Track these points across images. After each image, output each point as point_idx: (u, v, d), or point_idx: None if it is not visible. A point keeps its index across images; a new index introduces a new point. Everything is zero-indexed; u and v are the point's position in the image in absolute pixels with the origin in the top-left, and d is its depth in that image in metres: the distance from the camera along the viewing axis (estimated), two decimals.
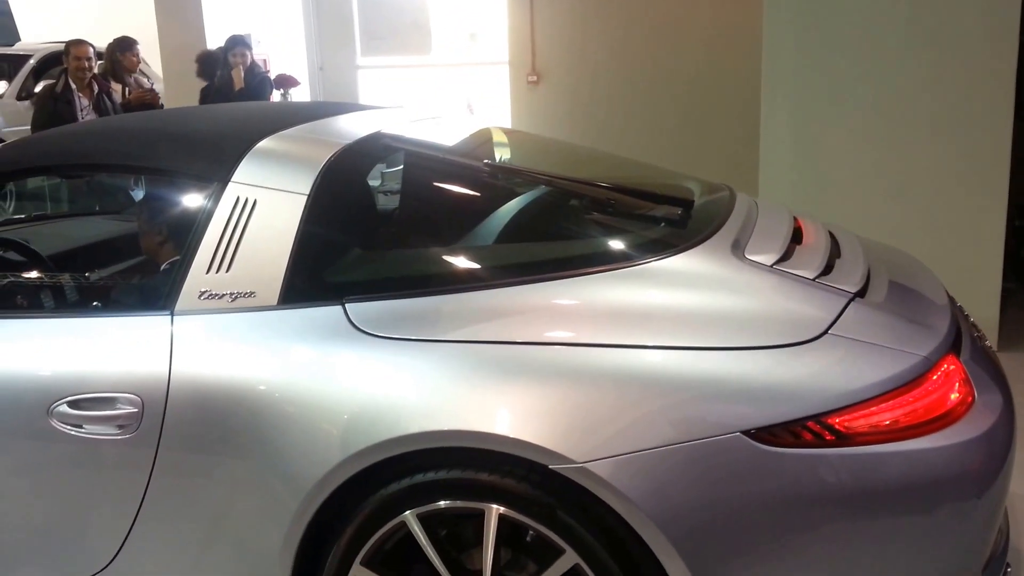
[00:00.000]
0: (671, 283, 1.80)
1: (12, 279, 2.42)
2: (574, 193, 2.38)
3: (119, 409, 1.87)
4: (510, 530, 1.68)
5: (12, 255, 2.79)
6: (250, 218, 1.94)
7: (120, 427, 1.87)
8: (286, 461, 1.75)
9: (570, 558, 1.62)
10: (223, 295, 1.90)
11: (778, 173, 4.30)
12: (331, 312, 1.84)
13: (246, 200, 1.95)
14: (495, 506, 1.65)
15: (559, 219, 2.34)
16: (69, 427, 1.89)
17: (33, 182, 6.44)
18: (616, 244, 2.12)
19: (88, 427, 1.89)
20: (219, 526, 1.85)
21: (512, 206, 2.29)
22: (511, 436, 1.61)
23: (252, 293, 1.88)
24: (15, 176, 2.35)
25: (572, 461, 1.57)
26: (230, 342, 1.86)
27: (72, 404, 1.89)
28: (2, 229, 3.17)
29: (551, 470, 1.59)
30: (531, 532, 1.67)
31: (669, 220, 2.10)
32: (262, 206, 1.95)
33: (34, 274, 2.69)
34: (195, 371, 1.85)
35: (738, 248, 1.90)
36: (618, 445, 1.57)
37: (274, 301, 1.87)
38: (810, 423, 1.57)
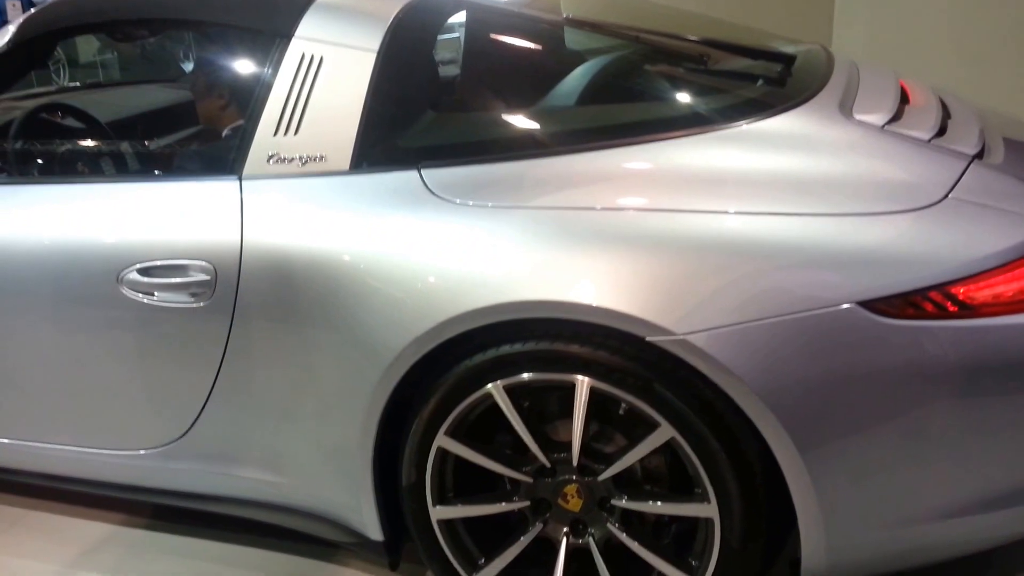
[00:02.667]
0: (775, 145, 1.65)
1: (76, 145, 2.36)
2: (665, 50, 2.20)
3: (191, 276, 1.82)
4: (598, 402, 1.62)
5: (72, 122, 2.72)
6: (317, 76, 1.83)
7: (193, 295, 1.82)
8: (366, 331, 1.69)
9: (665, 432, 1.56)
10: (292, 159, 1.81)
11: (853, 32, 3.99)
12: (407, 178, 1.74)
13: (312, 57, 1.84)
14: (585, 378, 1.58)
15: (652, 78, 2.17)
16: (140, 294, 1.85)
17: (85, 54, 6.36)
18: (712, 104, 1.95)
19: (160, 295, 1.84)
20: (299, 397, 1.82)
21: (598, 64, 2.12)
22: (604, 307, 1.51)
23: (323, 157, 1.79)
24: (63, 34, 2.23)
25: (671, 333, 1.48)
26: (302, 208, 1.78)
27: (142, 271, 1.85)
28: (60, 96, 3.09)
29: (647, 342, 1.50)
30: (622, 405, 1.61)
31: (768, 78, 1.93)
32: (329, 64, 1.83)
33: (99, 140, 2.62)
34: (268, 238, 1.78)
35: (845, 107, 1.74)
36: (721, 317, 1.47)
37: (346, 166, 1.78)
38: (932, 293, 1.45)
